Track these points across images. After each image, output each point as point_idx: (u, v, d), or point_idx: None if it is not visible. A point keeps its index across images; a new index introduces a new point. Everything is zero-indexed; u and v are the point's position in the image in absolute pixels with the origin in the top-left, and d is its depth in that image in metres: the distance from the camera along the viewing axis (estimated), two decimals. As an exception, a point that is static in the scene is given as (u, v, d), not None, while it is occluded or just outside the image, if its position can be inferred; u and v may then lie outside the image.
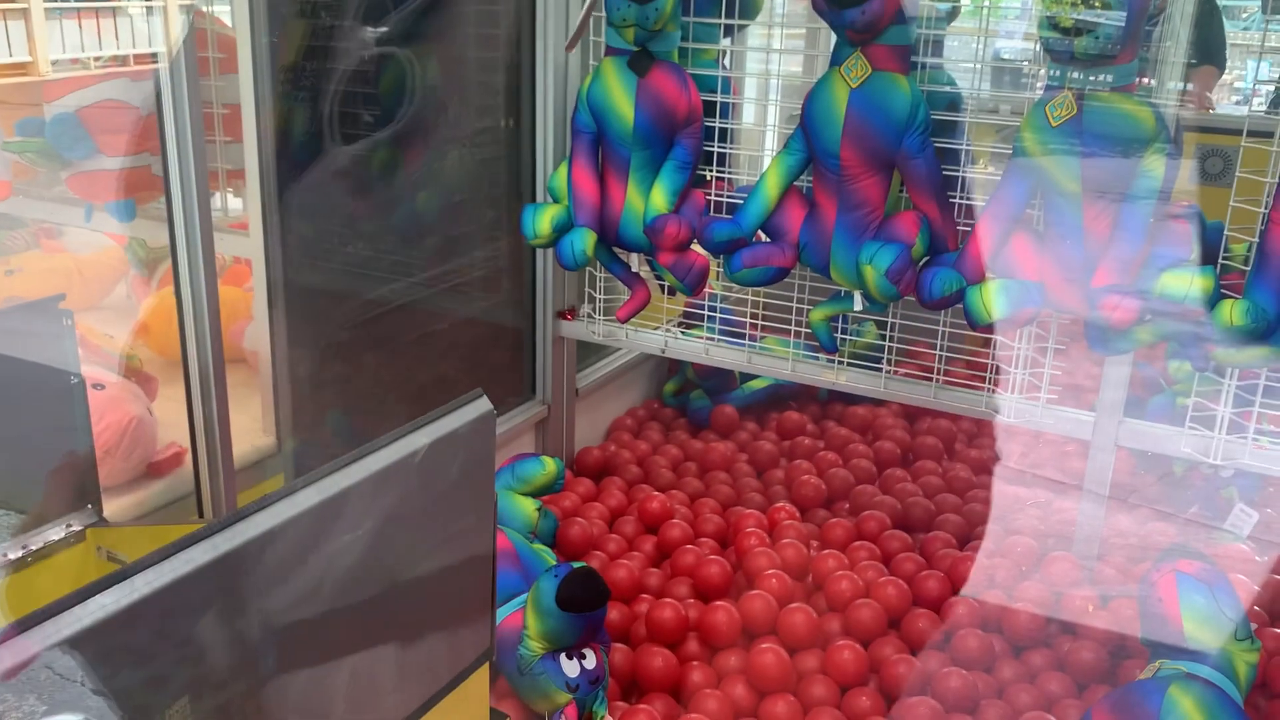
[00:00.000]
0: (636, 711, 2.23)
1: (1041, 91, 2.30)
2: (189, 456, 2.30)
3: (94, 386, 2.29)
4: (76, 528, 1.81)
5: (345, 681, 1.31)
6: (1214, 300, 2.16)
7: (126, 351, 2.54)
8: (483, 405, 1.39)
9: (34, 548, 1.74)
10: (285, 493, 1.13)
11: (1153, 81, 2.38)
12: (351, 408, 2.85)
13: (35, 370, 1.76)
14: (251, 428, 2.60)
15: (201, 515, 2.29)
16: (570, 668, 2.16)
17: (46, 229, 2.93)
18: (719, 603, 2.52)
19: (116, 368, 2.45)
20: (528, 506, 2.71)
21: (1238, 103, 5.44)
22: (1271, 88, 4.22)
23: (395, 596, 1.36)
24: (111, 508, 2.20)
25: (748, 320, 3.04)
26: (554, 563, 2.55)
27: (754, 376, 3.68)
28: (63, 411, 1.79)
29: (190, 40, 1.94)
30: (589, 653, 2.21)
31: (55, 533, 1.78)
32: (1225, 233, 2.27)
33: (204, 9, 2.62)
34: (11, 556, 1.71)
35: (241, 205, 2.66)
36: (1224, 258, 2.27)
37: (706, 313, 3.12)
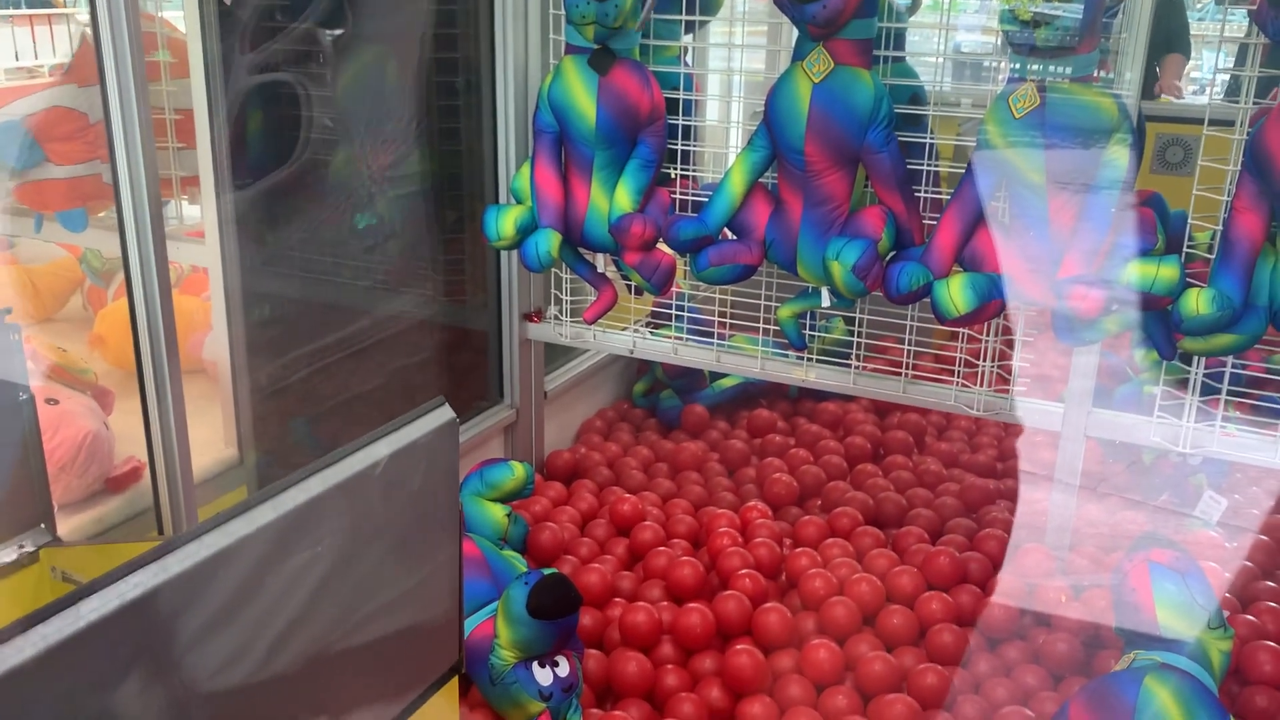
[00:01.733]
0: (611, 717, 2.21)
1: (1004, 84, 2.29)
2: (148, 471, 2.25)
3: (47, 401, 2.24)
4: (29, 548, 1.75)
5: (311, 699, 1.27)
6: (1179, 289, 2.16)
7: (81, 364, 2.48)
8: (445, 414, 1.36)
9: (-15, 570, 1.69)
10: (240, 510, 1.09)
11: (1112, 73, 2.38)
12: (315, 416, 2.80)
13: (-18, 387, 1.71)
14: (213, 440, 2.54)
15: (161, 531, 2.23)
16: (543, 676, 2.13)
17: (-3, 240, 2.86)
18: (692, 605, 2.50)
19: (70, 382, 2.39)
20: (497, 513, 2.67)
21: (1194, 92, 5.50)
22: (1227, 77, 4.26)
23: (359, 610, 1.32)
24: (67, 526, 2.15)
25: (715, 319, 3.02)
26: (524, 569, 2.51)
27: (724, 375, 3.67)
28: (12, 427, 1.74)
29: (137, 44, 1.89)
30: (562, 660, 2.18)
31: (7, 554, 1.73)
32: (1189, 222, 2.27)
33: (154, 13, 2.56)
34: (-39, 580, 1.66)
35: (198, 213, 2.61)
36: (1188, 246, 2.27)
37: (675, 312, 3.09)
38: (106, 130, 1.98)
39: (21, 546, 1.75)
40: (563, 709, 2.16)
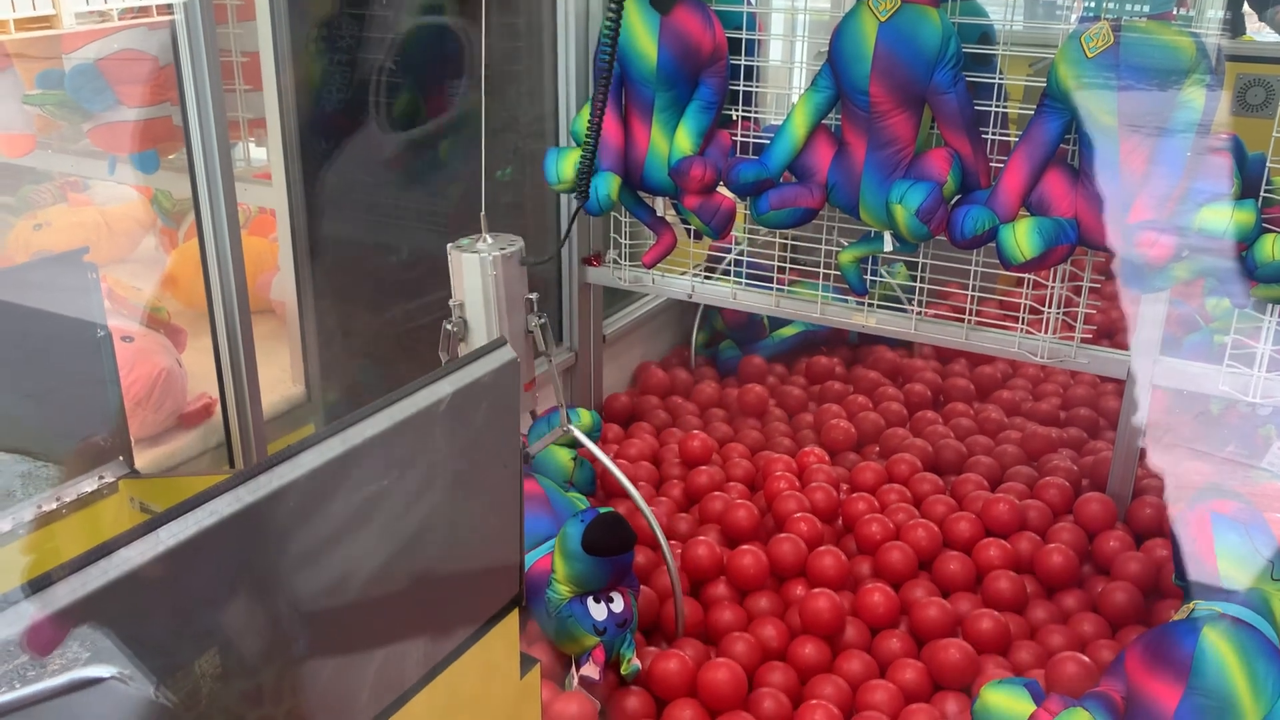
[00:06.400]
0: (668, 655, 2.25)
1: (1077, 22, 2.23)
2: (219, 407, 2.31)
3: (123, 339, 2.30)
4: (109, 479, 1.82)
5: (376, 628, 1.32)
6: (1254, 234, 2.10)
7: (154, 303, 2.55)
8: (506, 354, 1.38)
9: (68, 499, 1.76)
10: (309, 443, 1.12)
11: (1191, 10, 2.30)
12: (380, 356, 2.85)
13: (62, 323, 1.77)
14: (281, 378, 2.61)
15: (232, 465, 2.31)
16: (598, 611, 2.18)
17: (73, 182, 2.93)
18: (746, 546, 2.52)
19: (144, 320, 2.46)
20: (563, 456, 2.69)
21: None
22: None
23: (423, 543, 1.36)
24: (144, 459, 2.23)
25: (775, 265, 2.99)
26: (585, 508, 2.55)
27: (784, 324, 3.65)
28: (91, 364, 1.80)
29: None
30: (617, 596, 2.22)
31: (88, 484, 1.80)
32: (1267, 165, 2.20)
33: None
34: (46, 509, 1.73)
35: (265, 155, 2.65)
36: (1266, 190, 2.21)
37: (733, 259, 3.08)
38: (176, 72, 2.01)
39: (102, 478, 1.83)
40: (616, 643, 2.21)
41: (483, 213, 2.34)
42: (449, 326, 2.32)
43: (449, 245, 2.33)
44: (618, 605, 2.20)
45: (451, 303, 2.33)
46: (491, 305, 2.29)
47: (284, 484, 1.08)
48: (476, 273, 2.29)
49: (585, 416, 2.74)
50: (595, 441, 2.86)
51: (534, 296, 2.37)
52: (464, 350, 2.35)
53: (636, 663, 2.21)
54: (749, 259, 3.03)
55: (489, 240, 2.35)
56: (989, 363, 3.55)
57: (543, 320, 2.38)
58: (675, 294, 3.13)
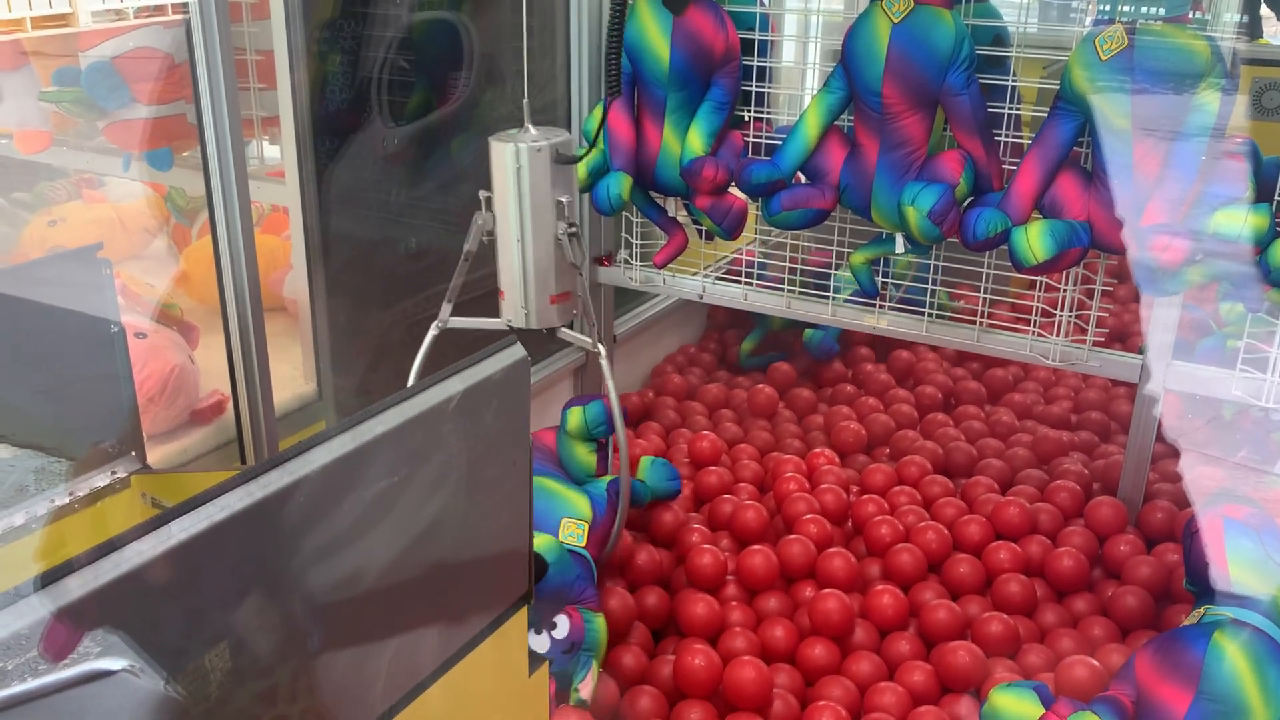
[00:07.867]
0: (688, 652, 2.22)
1: (1091, 25, 2.22)
2: (231, 404, 2.32)
3: (136, 335, 2.32)
4: (121, 474, 1.83)
5: (386, 625, 1.32)
6: (1269, 239, 2.09)
7: (167, 300, 2.56)
8: (517, 352, 1.38)
9: (80, 494, 1.77)
10: (320, 439, 1.13)
11: (1207, 13, 2.29)
12: (391, 354, 2.86)
13: (76, 319, 1.78)
14: (293, 375, 2.62)
15: (244, 462, 2.32)
16: (539, 643, 2.07)
17: (88, 179, 2.95)
18: (756, 547, 2.52)
19: (157, 316, 2.47)
20: (581, 451, 2.63)
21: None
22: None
23: (433, 541, 1.36)
24: (156, 455, 2.24)
25: (786, 267, 2.99)
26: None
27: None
28: (104, 360, 1.81)
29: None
30: (560, 620, 2.10)
31: (101, 479, 1.81)
32: (1282, 169, 2.20)
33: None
34: (59, 503, 1.74)
35: (278, 153, 2.66)
36: (1280, 195, 2.20)
37: (754, 268, 3.07)
38: (191, 71, 2.02)
39: (114, 473, 1.84)
40: (569, 669, 2.10)
41: (525, 99, 2.16)
42: (478, 220, 2.18)
43: (490, 137, 2.19)
44: (561, 630, 2.09)
45: (482, 194, 2.18)
46: (513, 200, 2.13)
47: (295, 480, 1.09)
48: (505, 164, 2.13)
49: (575, 416, 2.62)
50: (603, 439, 2.79)
51: (565, 200, 2.18)
52: (495, 244, 2.24)
53: (584, 694, 2.09)
54: (771, 263, 3.02)
55: (532, 131, 2.18)
56: (1000, 365, 3.54)
57: (573, 229, 2.19)
58: (686, 294, 3.13)
